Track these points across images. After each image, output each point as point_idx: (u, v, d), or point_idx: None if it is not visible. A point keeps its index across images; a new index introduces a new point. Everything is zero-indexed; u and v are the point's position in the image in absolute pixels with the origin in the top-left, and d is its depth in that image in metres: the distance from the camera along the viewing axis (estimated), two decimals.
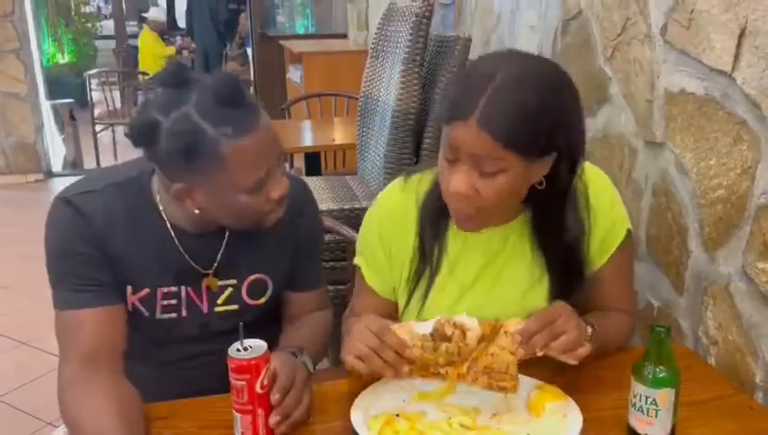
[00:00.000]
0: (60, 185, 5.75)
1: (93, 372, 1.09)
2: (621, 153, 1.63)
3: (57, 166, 5.89)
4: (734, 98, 1.22)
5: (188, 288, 1.23)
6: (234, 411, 1.01)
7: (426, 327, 1.05)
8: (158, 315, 1.23)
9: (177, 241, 1.20)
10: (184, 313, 1.24)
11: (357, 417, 1.04)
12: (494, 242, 1.20)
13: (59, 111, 5.91)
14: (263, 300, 1.29)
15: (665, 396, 0.99)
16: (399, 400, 1.10)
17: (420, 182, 1.22)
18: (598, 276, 1.22)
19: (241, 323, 1.01)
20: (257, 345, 1.01)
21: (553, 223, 1.15)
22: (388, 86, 2.26)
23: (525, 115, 0.99)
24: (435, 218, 1.19)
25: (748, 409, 1.14)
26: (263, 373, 1.00)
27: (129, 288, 1.20)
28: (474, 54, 2.29)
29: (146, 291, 1.20)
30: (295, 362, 1.11)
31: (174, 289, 1.22)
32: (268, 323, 1.34)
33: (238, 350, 1.00)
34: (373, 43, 2.63)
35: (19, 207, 4.99)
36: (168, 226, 1.19)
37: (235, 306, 1.27)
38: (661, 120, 1.46)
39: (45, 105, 5.80)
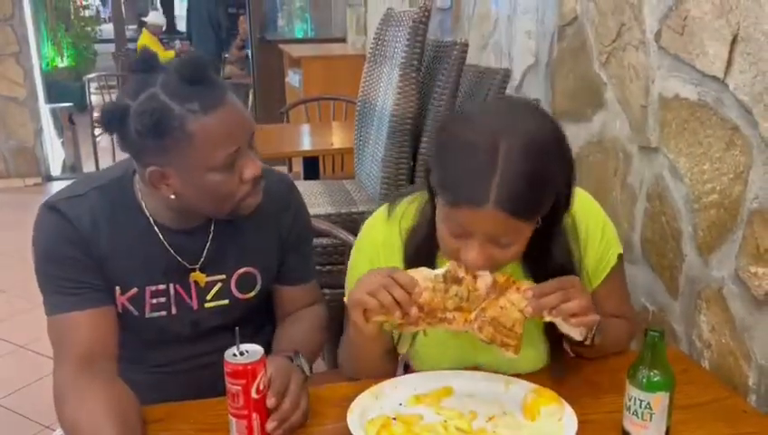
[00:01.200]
0: (58, 189, 5.78)
1: (88, 374, 1.10)
2: (616, 158, 1.64)
3: (56, 170, 5.90)
4: (727, 103, 1.23)
5: (177, 285, 1.24)
6: (229, 416, 1.02)
7: (439, 271, 1.05)
8: (148, 314, 1.23)
9: (161, 237, 1.21)
10: (174, 310, 1.24)
11: (353, 420, 1.04)
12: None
13: (58, 115, 5.91)
14: (252, 294, 1.29)
15: (659, 400, 1.00)
16: (396, 403, 1.11)
17: (404, 215, 1.20)
18: (594, 299, 1.18)
19: (237, 328, 1.02)
20: (253, 350, 1.01)
21: (543, 257, 1.12)
22: (385, 91, 2.27)
23: (537, 186, 0.98)
24: (420, 256, 1.15)
25: (742, 412, 1.14)
26: (258, 378, 1.00)
27: (117, 289, 1.21)
28: (470, 60, 2.30)
29: (134, 290, 1.21)
30: (291, 366, 1.12)
31: (162, 287, 1.23)
32: (260, 320, 1.35)
33: (234, 354, 1.01)
34: (371, 48, 2.65)
35: (18, 210, 4.98)
36: (152, 222, 1.21)
37: (225, 301, 1.27)
38: (655, 125, 1.47)
39: (44, 109, 5.81)
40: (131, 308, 1.22)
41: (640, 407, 1.00)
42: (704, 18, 1.28)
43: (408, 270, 1.06)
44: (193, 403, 1.16)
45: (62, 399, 1.09)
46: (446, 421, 1.06)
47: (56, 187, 5.69)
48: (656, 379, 1.00)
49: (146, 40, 8.09)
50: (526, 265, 1.16)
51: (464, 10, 2.97)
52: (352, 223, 2.16)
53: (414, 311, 1.02)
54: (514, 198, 0.96)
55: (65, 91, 7.23)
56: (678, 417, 1.04)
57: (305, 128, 3.83)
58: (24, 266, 4.35)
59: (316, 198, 2.43)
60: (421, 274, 1.05)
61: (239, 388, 0.99)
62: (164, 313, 1.24)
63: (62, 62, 8.53)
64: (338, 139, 3.42)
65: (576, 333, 1.04)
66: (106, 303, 1.19)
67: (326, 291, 2.06)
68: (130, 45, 9.05)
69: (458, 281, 1.03)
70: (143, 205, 1.21)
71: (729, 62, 1.21)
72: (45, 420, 2.44)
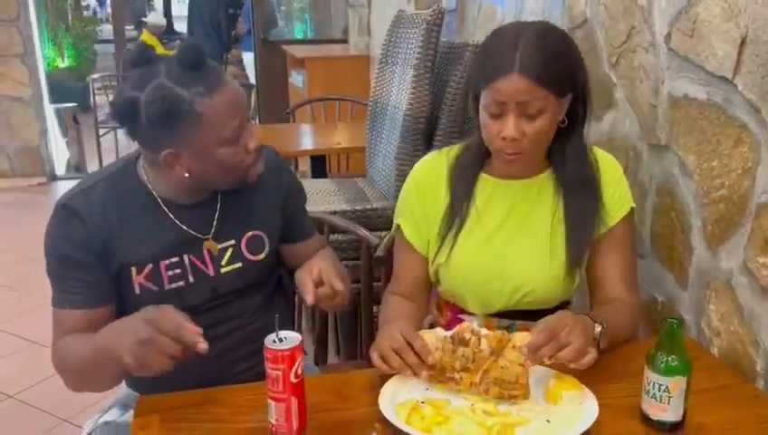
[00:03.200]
0: (63, 188, 5.81)
1: None
2: (626, 156, 1.70)
3: (60, 169, 5.94)
4: (736, 103, 1.29)
5: (190, 256, 1.31)
6: (268, 399, 1.06)
7: (448, 333, 1.14)
8: (167, 286, 1.29)
9: (170, 214, 1.29)
10: (191, 279, 1.31)
11: (384, 403, 1.10)
12: (518, 192, 1.36)
13: (62, 115, 5.95)
14: (262, 255, 1.38)
15: (677, 384, 1.05)
16: (423, 388, 1.16)
17: (450, 151, 1.44)
18: (602, 245, 1.36)
19: (276, 316, 1.08)
20: (292, 337, 1.06)
21: (576, 164, 1.34)
22: (399, 91, 2.32)
23: (553, 58, 1.22)
24: (464, 172, 1.39)
25: (752, 397, 1.20)
26: (296, 363, 1.05)
27: (133, 270, 1.27)
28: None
29: (150, 267, 1.28)
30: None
31: (175, 259, 1.30)
32: (272, 285, 1.45)
33: (274, 341, 1.05)
34: (382, 49, 2.69)
35: (23, 210, 5.03)
36: (160, 202, 1.29)
37: (238, 264, 1.35)
38: (665, 123, 1.53)
39: (49, 109, 5.84)
40: (150, 285, 1.29)
41: (659, 390, 1.06)
42: (713, 21, 1.33)
43: (421, 331, 1.16)
44: (231, 388, 1.21)
45: (57, 357, 1.25)
46: (473, 405, 1.11)
47: (61, 186, 5.73)
48: (674, 364, 1.05)
49: (146, 40, 8.12)
50: (556, 172, 1.36)
51: (469, 11, 3.03)
52: (367, 219, 2.22)
53: (424, 374, 1.14)
54: (535, 66, 1.19)
55: (68, 92, 7.25)
56: (693, 401, 1.09)
57: (311, 128, 3.88)
58: (31, 264, 4.41)
59: (329, 196, 2.48)
60: (432, 335, 1.14)
61: (279, 373, 1.04)
62: (182, 283, 1.31)
63: (63, 63, 8.55)
64: (344, 138, 3.47)
65: (579, 367, 1.11)
66: (103, 303, 1.27)
67: None
68: (130, 46, 9.07)
69: (465, 343, 1.12)
70: (149, 187, 1.29)
71: (738, 64, 1.27)
72: (62, 414, 2.49)
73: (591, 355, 1.11)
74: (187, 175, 1.23)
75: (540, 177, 1.38)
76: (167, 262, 1.29)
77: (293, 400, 1.06)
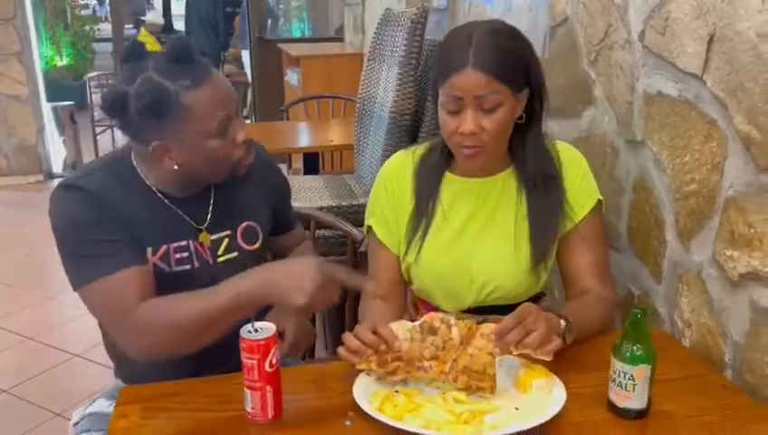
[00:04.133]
0: None
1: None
2: (604, 152, 1.72)
3: (58, 167, 5.96)
4: (705, 99, 1.32)
5: (194, 242, 1.35)
6: (245, 388, 1.09)
7: (416, 323, 1.17)
8: (175, 268, 1.32)
9: (168, 204, 1.32)
10: (196, 264, 1.34)
11: (358, 392, 1.13)
12: (483, 189, 1.39)
13: (59, 113, 5.98)
14: (257, 245, 1.43)
15: (641, 372, 1.08)
16: (398, 378, 1.18)
17: (416, 150, 1.47)
18: (571, 240, 1.38)
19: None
20: (267, 327, 1.09)
21: (536, 160, 1.36)
22: (384, 88, 2.35)
23: (506, 53, 1.25)
24: (429, 172, 1.41)
25: (720, 386, 1.23)
26: (271, 353, 1.08)
27: (149, 250, 1.29)
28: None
29: (164, 248, 1.31)
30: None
31: (183, 243, 1.33)
32: None
33: (249, 331, 1.08)
34: (370, 47, 2.72)
35: (20, 207, 5.06)
36: (155, 192, 1.31)
37: (234, 253, 1.39)
38: (640, 120, 1.56)
39: (46, 108, 5.87)
40: (162, 265, 1.31)
41: (624, 378, 1.09)
42: (683, 19, 1.36)
43: (390, 323, 1.18)
44: (210, 378, 1.24)
45: (165, 320, 1.19)
46: (444, 393, 1.14)
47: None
48: (638, 353, 1.08)
49: (144, 39, 8.15)
50: (517, 169, 1.38)
51: (460, 10, 3.05)
52: (353, 215, 2.25)
53: (393, 365, 1.15)
54: (489, 60, 1.23)
55: (65, 90, 7.28)
56: (660, 390, 1.12)
57: (305, 125, 3.91)
58: (28, 262, 4.45)
59: (318, 192, 2.51)
60: (401, 326, 1.17)
61: (254, 362, 1.07)
62: (188, 266, 1.33)
63: (61, 61, 8.57)
64: (337, 135, 3.50)
65: (545, 355, 1.13)
66: (144, 262, 1.27)
67: None
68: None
69: (434, 331, 1.15)
70: (144, 178, 1.31)
71: (706, 61, 1.30)
72: (56, 408, 2.53)
73: (556, 342, 1.14)
74: (176, 167, 1.26)
75: (503, 174, 1.40)
76: (175, 245, 1.32)
77: (269, 388, 1.09)
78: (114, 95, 1.21)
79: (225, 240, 1.38)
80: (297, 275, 1.13)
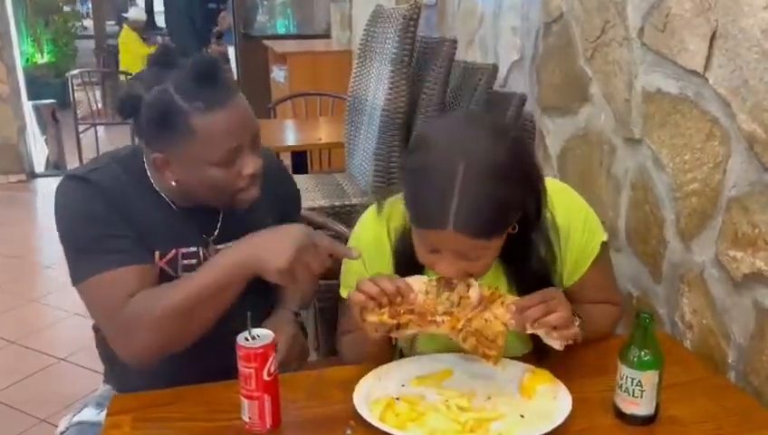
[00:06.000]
0: (43, 185, 5.77)
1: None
2: (601, 150, 1.70)
3: (40, 167, 5.88)
4: (707, 97, 1.30)
5: (204, 250, 1.30)
6: (242, 397, 1.06)
7: (434, 278, 1.12)
8: (181, 274, 1.26)
9: (177, 209, 1.27)
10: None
11: (359, 401, 1.10)
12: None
13: (41, 111, 5.88)
14: None
15: (649, 378, 1.06)
16: (398, 384, 1.16)
17: (392, 215, 1.23)
18: (576, 289, 1.26)
19: (249, 313, 1.07)
20: (264, 334, 1.06)
21: (521, 253, 1.18)
22: (376, 86, 2.32)
23: (496, 208, 1.04)
24: (410, 260, 1.17)
25: (724, 389, 1.22)
26: (269, 361, 1.05)
27: (156, 254, 1.25)
28: (457, 55, 2.36)
29: (173, 253, 1.26)
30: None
31: (194, 249, 1.28)
32: (266, 287, 1.37)
33: (246, 339, 1.05)
34: (360, 45, 2.69)
35: (3, 207, 4.97)
36: (164, 197, 1.27)
37: None
38: (639, 117, 1.54)
39: (27, 106, 5.78)
40: (168, 269, 1.26)
41: (632, 385, 1.06)
42: (684, 15, 1.34)
43: (406, 277, 1.12)
44: (204, 386, 1.20)
45: (147, 314, 1.14)
46: (447, 400, 1.11)
47: (40, 183, 5.67)
48: (646, 358, 1.06)
49: (127, 36, 8.05)
50: (508, 271, 1.22)
51: (449, 6, 3.03)
52: (346, 215, 2.22)
53: (405, 318, 1.08)
54: (473, 222, 1.02)
55: (45, 88, 7.17)
56: (666, 394, 1.10)
57: (292, 123, 3.87)
58: (12, 263, 4.36)
59: (308, 192, 2.48)
60: (417, 280, 1.12)
61: (251, 371, 1.04)
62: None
63: (42, 59, 8.45)
64: (325, 134, 3.46)
65: (557, 344, 1.10)
66: (149, 261, 1.22)
67: (321, 282, 2.11)
68: (111, 41, 8.98)
69: (451, 286, 1.10)
70: (152, 183, 1.27)
71: (708, 58, 1.28)
72: (41, 413, 2.47)
73: (575, 330, 1.09)
74: (174, 183, 1.22)
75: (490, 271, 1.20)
76: (185, 250, 1.27)
77: (267, 397, 1.06)
78: (128, 97, 1.17)
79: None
80: (278, 239, 1.11)
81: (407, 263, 1.17)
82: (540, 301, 1.09)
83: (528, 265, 1.19)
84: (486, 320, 1.09)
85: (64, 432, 1.37)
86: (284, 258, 1.08)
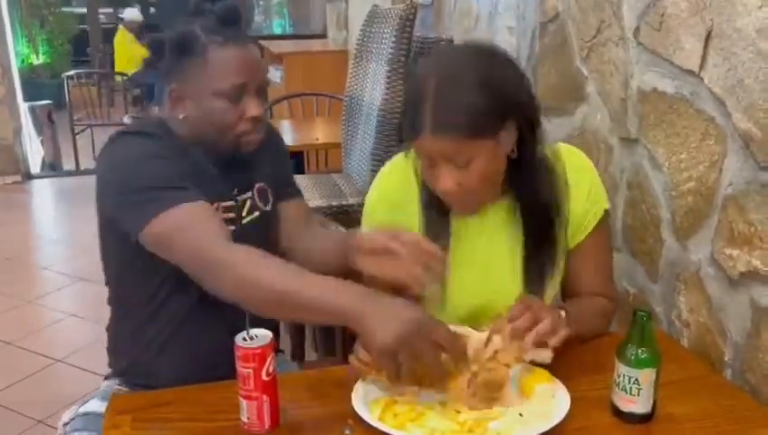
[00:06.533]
0: (38, 187, 5.76)
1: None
2: (597, 149, 1.71)
3: (36, 168, 5.87)
4: (702, 96, 1.30)
5: (236, 204, 1.35)
6: (240, 398, 1.06)
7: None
8: None
9: (206, 163, 1.31)
10: (232, 226, 1.28)
11: (357, 401, 1.09)
12: (488, 219, 1.29)
13: (37, 112, 5.88)
14: (269, 207, 1.42)
15: (647, 376, 1.06)
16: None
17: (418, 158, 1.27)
18: (575, 256, 1.31)
19: (247, 315, 1.07)
20: (263, 334, 1.06)
21: (531, 192, 1.24)
22: (373, 86, 2.32)
23: (468, 107, 1.09)
24: (438, 200, 1.24)
25: (721, 386, 1.22)
26: (268, 361, 1.04)
27: None
28: None
29: (215, 205, 1.29)
30: None
31: (230, 203, 1.34)
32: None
33: (245, 339, 1.05)
34: (357, 45, 2.69)
35: None
36: (194, 152, 1.30)
37: (256, 214, 1.39)
38: (635, 117, 1.54)
39: (23, 107, 5.77)
40: None
41: (629, 383, 1.07)
42: (680, 15, 1.35)
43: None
44: (203, 386, 1.20)
45: (232, 276, 1.11)
46: (445, 400, 1.11)
47: (36, 185, 5.66)
48: (643, 356, 1.06)
49: (122, 37, 8.04)
50: (517, 204, 1.26)
51: (445, 6, 3.03)
52: (343, 215, 2.22)
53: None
54: (448, 123, 1.09)
55: (41, 89, 7.16)
56: (663, 392, 1.10)
57: (289, 124, 3.87)
58: (8, 264, 4.35)
59: (306, 193, 2.47)
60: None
61: (250, 371, 1.03)
62: (232, 227, 1.28)
63: (38, 60, 8.44)
64: (322, 134, 3.46)
65: (546, 357, 1.10)
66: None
67: None
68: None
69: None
70: (183, 141, 1.30)
71: (704, 57, 1.29)
72: (38, 415, 2.47)
73: (565, 331, 1.10)
74: (183, 117, 1.27)
75: (504, 203, 1.28)
76: (224, 204, 1.32)
77: (265, 398, 1.06)
78: (156, 39, 1.27)
79: (249, 201, 1.38)
80: (395, 313, 1.02)
81: (436, 204, 1.24)
82: (523, 308, 1.09)
83: (537, 201, 1.24)
84: (490, 369, 1.09)
85: (68, 423, 1.36)
86: (393, 333, 1.00)
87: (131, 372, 1.38)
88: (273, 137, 1.49)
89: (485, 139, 1.11)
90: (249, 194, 1.38)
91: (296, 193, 1.53)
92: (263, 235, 1.38)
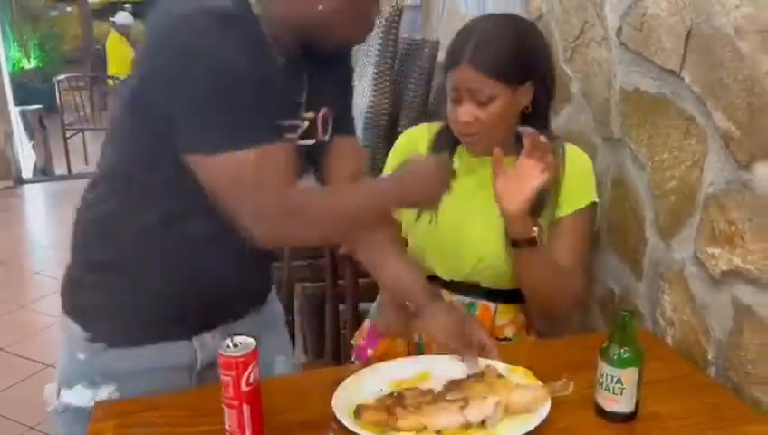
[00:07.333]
0: (30, 191, 5.75)
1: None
2: (582, 149, 1.71)
3: (27, 172, 5.86)
4: (683, 96, 1.31)
5: (300, 121, 1.19)
6: (223, 405, 1.05)
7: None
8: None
9: (286, 72, 1.14)
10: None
11: (338, 405, 1.09)
12: (488, 170, 1.33)
13: (28, 117, 5.87)
14: (327, 137, 1.24)
15: (630, 375, 1.07)
16: (377, 388, 1.15)
17: (432, 126, 1.53)
18: (555, 232, 1.40)
19: (230, 336, 1.05)
20: (246, 342, 1.04)
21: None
22: (359, 88, 2.33)
23: (504, 50, 1.31)
24: (443, 144, 1.47)
25: (705, 385, 1.23)
26: (249, 370, 1.02)
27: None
28: (441, 56, 2.36)
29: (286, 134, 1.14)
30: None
31: (295, 122, 1.18)
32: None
33: (228, 346, 1.03)
34: None
35: None
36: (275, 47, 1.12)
37: (311, 141, 1.21)
38: (618, 117, 1.55)
39: (14, 112, 5.76)
40: None
41: (612, 382, 1.07)
42: (660, 15, 1.35)
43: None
44: (188, 392, 1.21)
45: (298, 211, 1.05)
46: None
47: (28, 189, 5.65)
48: (626, 356, 1.06)
49: (114, 39, 8.02)
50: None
51: (433, 8, 3.03)
52: None
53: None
54: (483, 58, 1.29)
55: (33, 94, 7.14)
56: (647, 391, 1.11)
57: None
58: (0, 268, 4.31)
59: None
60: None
61: (229, 379, 1.02)
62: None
63: (29, 64, 8.42)
64: None
65: (566, 388, 1.11)
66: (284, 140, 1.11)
67: (307, 285, 2.12)
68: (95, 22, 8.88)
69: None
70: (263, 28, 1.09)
71: (684, 57, 1.29)
72: (29, 421, 2.46)
73: (497, 348, 1.24)
74: (321, 8, 1.08)
75: (508, 159, 1.34)
76: (288, 123, 1.15)
77: (245, 407, 1.04)
78: None
79: (306, 123, 1.19)
80: (426, 181, 1.17)
81: (440, 147, 1.45)
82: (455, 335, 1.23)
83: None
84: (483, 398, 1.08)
85: (63, 412, 1.26)
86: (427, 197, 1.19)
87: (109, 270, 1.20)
88: (348, 66, 1.35)
89: (507, 85, 1.31)
90: (310, 115, 1.20)
91: (351, 129, 1.37)
92: (305, 165, 1.23)
